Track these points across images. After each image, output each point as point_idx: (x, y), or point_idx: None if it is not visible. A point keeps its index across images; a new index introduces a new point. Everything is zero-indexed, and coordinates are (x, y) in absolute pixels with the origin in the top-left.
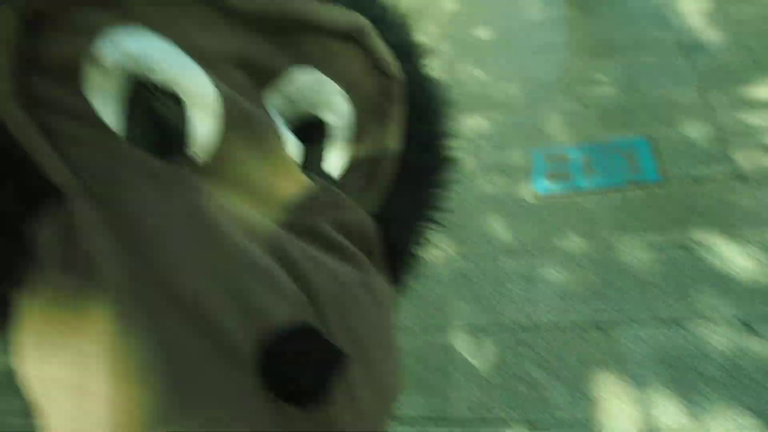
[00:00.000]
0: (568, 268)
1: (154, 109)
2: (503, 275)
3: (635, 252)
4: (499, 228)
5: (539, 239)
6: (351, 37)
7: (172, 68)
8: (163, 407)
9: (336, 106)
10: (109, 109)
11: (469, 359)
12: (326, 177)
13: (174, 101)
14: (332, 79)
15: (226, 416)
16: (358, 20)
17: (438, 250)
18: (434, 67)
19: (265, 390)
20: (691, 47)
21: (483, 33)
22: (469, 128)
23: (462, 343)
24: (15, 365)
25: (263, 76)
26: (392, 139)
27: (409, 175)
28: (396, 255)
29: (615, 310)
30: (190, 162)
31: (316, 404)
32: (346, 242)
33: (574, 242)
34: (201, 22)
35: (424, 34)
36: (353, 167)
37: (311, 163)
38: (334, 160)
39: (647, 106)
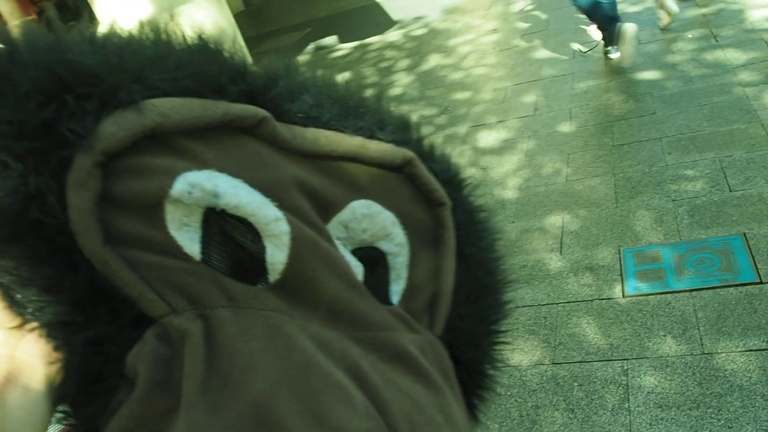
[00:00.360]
0: (664, 373)
1: (229, 235)
2: (596, 381)
3: (734, 356)
4: (589, 330)
5: (632, 342)
6: (400, 169)
7: (242, 202)
8: None
9: (393, 236)
10: (188, 239)
11: None
12: (389, 303)
13: (247, 226)
14: (387, 209)
15: None
16: (406, 153)
17: (527, 356)
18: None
19: None
20: None
21: (566, 127)
22: (556, 226)
23: None
24: None
25: (323, 208)
26: (449, 264)
27: (469, 295)
28: (468, 376)
29: (716, 420)
30: (264, 282)
31: None
32: (423, 361)
33: (668, 346)
34: (261, 158)
35: (506, 129)
36: (413, 293)
37: (373, 289)
38: (395, 288)
39: (739, 203)
